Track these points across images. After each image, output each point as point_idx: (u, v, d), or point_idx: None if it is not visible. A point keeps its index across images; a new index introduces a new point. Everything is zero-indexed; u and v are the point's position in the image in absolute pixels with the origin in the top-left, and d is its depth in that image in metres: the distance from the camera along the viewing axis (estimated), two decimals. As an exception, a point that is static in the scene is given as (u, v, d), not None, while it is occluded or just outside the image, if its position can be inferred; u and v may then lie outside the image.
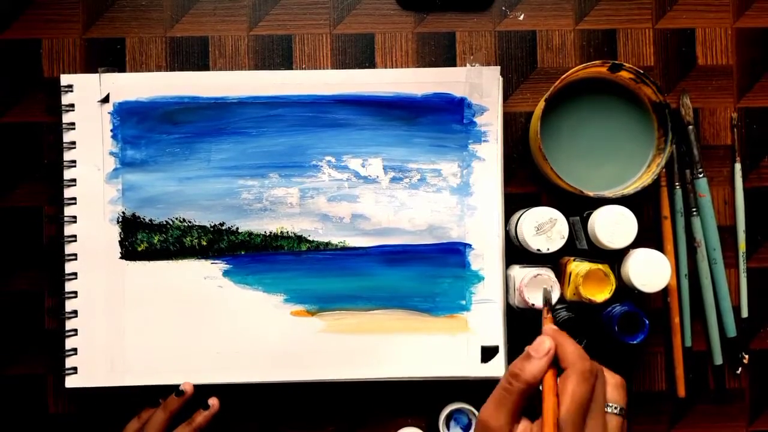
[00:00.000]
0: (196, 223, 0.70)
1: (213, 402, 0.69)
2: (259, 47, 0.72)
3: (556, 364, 0.52)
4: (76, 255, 0.70)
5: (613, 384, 0.53)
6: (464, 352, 0.70)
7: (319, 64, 0.73)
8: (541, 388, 0.51)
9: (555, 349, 0.52)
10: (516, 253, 0.70)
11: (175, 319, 0.70)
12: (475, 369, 0.70)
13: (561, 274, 0.68)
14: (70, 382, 0.70)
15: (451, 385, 0.71)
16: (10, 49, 0.72)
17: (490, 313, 0.70)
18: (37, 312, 0.72)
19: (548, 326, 0.55)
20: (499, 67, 0.70)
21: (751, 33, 0.73)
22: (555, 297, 0.66)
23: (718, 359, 0.72)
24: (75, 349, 0.70)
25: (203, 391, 0.70)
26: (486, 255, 0.70)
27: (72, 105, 0.70)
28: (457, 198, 0.70)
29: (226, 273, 0.70)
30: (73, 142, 0.70)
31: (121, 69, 0.72)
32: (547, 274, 0.66)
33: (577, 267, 0.66)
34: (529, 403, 0.51)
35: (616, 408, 0.52)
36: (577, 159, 0.69)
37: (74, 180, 0.70)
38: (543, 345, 0.52)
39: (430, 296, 0.70)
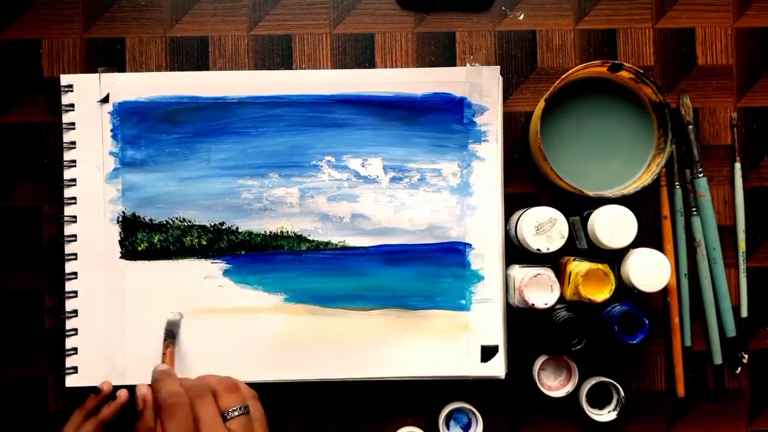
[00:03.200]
0: (196, 223, 0.70)
1: (120, 393, 0.67)
2: (259, 47, 0.72)
3: None
4: (76, 255, 0.70)
5: (223, 390, 0.55)
6: (464, 351, 0.70)
7: (319, 64, 0.73)
8: None
9: (152, 394, 0.54)
10: (516, 252, 0.70)
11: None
12: (474, 368, 0.70)
13: (561, 274, 0.68)
14: (71, 381, 0.70)
15: (451, 384, 0.71)
16: (10, 49, 0.72)
17: (490, 312, 0.70)
18: (37, 312, 0.72)
19: (155, 368, 0.58)
20: (498, 67, 0.70)
21: (751, 33, 0.73)
22: (553, 298, 0.66)
23: (718, 359, 0.72)
24: (75, 349, 0.70)
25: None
26: (486, 255, 0.70)
27: (72, 105, 0.70)
28: (457, 198, 0.70)
29: (226, 272, 0.70)
30: (73, 142, 0.70)
31: (121, 69, 0.72)
32: (547, 274, 0.66)
33: (577, 267, 0.66)
34: None
35: (236, 410, 0.53)
36: (577, 159, 0.69)
37: (74, 180, 0.70)
38: (138, 397, 0.55)
39: (430, 296, 0.70)
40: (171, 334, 0.68)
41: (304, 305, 0.70)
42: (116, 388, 0.69)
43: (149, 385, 0.58)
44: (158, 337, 0.70)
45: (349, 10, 0.73)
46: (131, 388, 0.68)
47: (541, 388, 0.70)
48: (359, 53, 0.73)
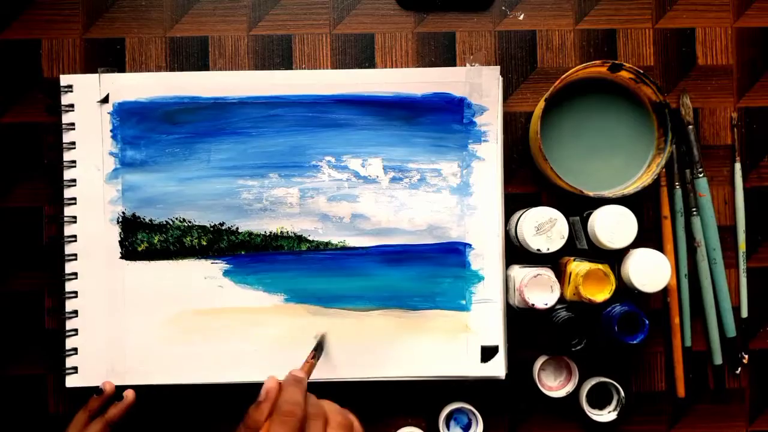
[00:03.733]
0: (196, 223, 0.70)
1: (127, 394, 0.67)
2: (258, 47, 0.72)
3: None
4: (76, 255, 0.70)
5: (336, 423, 0.54)
6: (464, 351, 0.70)
7: (319, 64, 0.73)
8: None
9: (278, 392, 0.54)
10: (516, 253, 0.70)
11: (175, 319, 0.70)
12: (475, 369, 0.70)
13: (561, 274, 0.68)
14: (71, 381, 0.70)
15: (451, 384, 0.71)
16: (10, 49, 0.72)
17: (490, 312, 0.70)
18: (38, 312, 0.72)
19: (292, 371, 0.58)
20: (498, 67, 0.70)
21: (751, 33, 0.73)
22: (553, 298, 0.66)
23: (718, 359, 0.72)
24: (75, 349, 0.70)
25: (204, 391, 0.70)
26: (486, 255, 0.70)
27: (72, 105, 0.70)
28: (456, 198, 0.70)
29: (226, 273, 0.70)
30: (73, 143, 0.70)
31: (121, 69, 0.72)
32: (547, 274, 0.66)
33: (577, 267, 0.66)
34: None
35: None
36: (577, 159, 0.69)
37: (74, 180, 0.70)
38: (264, 388, 0.55)
39: (430, 296, 0.70)
40: (320, 347, 0.67)
41: (304, 305, 0.70)
42: (117, 388, 0.69)
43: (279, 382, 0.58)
44: (158, 337, 0.70)
45: (349, 10, 0.73)
46: (131, 388, 0.68)
47: (541, 389, 0.70)
48: (359, 53, 0.73)
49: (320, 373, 0.70)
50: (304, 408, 0.54)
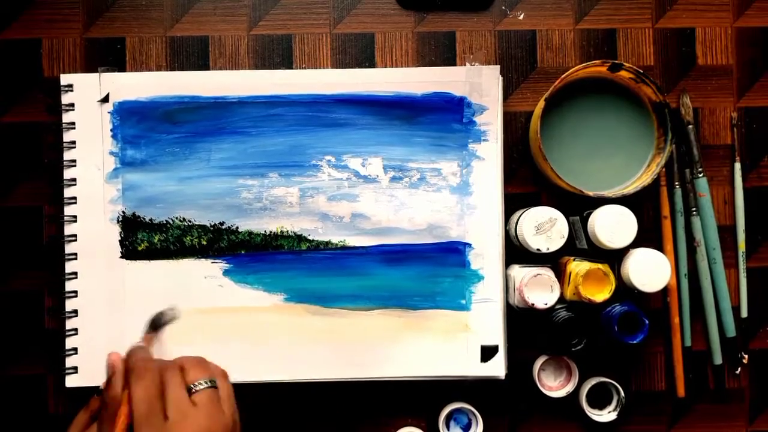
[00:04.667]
0: (196, 223, 0.70)
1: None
2: (259, 47, 0.72)
3: None
4: (76, 254, 0.70)
5: (190, 365, 0.54)
6: (464, 351, 0.70)
7: (319, 63, 0.73)
8: None
9: (123, 363, 0.54)
10: (516, 252, 0.70)
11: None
12: (474, 368, 0.70)
13: (561, 274, 0.68)
14: (71, 381, 0.70)
15: (451, 384, 0.71)
16: (10, 49, 0.72)
17: (489, 312, 0.70)
18: (38, 312, 0.72)
19: (133, 344, 0.58)
20: (498, 66, 0.70)
21: (751, 32, 0.73)
22: (553, 298, 0.66)
23: (718, 359, 0.72)
24: (75, 349, 0.70)
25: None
26: (486, 254, 0.70)
27: (72, 105, 0.70)
28: (456, 197, 0.70)
29: (226, 272, 0.70)
30: (73, 142, 0.70)
31: (121, 69, 0.72)
32: (547, 274, 0.66)
33: (577, 267, 0.66)
34: None
35: (201, 383, 0.53)
36: (577, 159, 0.69)
37: (74, 179, 0.70)
38: (107, 363, 0.55)
39: (429, 295, 0.70)
40: (154, 327, 0.66)
41: (304, 305, 0.70)
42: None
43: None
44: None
45: (350, 9, 0.73)
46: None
47: (541, 389, 0.70)
48: (359, 53, 0.73)
49: (320, 373, 0.70)
50: (154, 363, 0.54)
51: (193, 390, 0.53)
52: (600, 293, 0.66)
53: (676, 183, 0.72)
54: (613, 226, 0.65)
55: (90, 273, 0.70)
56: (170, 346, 0.70)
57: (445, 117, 0.70)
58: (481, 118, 0.70)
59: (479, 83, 0.70)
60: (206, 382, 0.54)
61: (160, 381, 0.53)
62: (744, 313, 0.72)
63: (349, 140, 0.71)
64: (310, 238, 0.71)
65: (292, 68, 0.72)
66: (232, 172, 0.70)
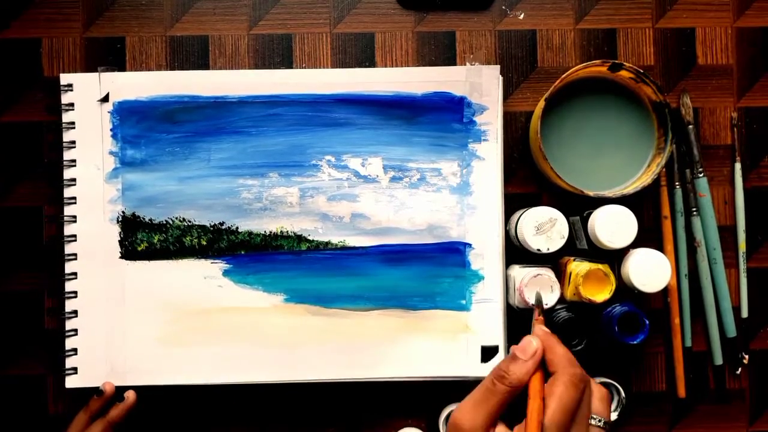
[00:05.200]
0: (196, 223, 0.70)
1: (128, 395, 0.68)
2: (259, 46, 0.72)
3: (544, 368, 0.51)
4: (76, 255, 0.70)
5: (599, 396, 0.52)
6: (464, 351, 0.70)
7: (319, 63, 0.73)
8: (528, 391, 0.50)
9: (542, 351, 0.51)
10: (516, 252, 0.70)
11: (175, 318, 0.70)
12: (475, 369, 0.70)
13: (561, 274, 0.68)
14: (70, 382, 0.70)
15: (451, 385, 0.71)
16: (10, 49, 0.72)
17: (490, 312, 0.70)
18: (37, 312, 0.72)
19: (539, 327, 0.54)
20: (498, 66, 0.70)
21: (751, 32, 0.73)
22: (553, 298, 0.66)
23: (718, 359, 0.72)
24: (75, 350, 0.70)
25: (204, 391, 0.70)
26: (486, 254, 0.70)
27: (72, 104, 0.70)
28: (456, 197, 0.70)
29: (226, 272, 0.70)
30: (73, 142, 0.70)
31: (121, 68, 0.72)
32: (547, 274, 0.66)
33: (577, 267, 0.66)
34: (508, 408, 0.50)
35: (599, 421, 0.51)
36: (577, 158, 0.69)
37: (74, 179, 0.70)
38: (530, 346, 0.51)
39: (429, 296, 0.70)
40: (539, 302, 0.63)
41: (303, 305, 0.70)
42: (117, 389, 0.68)
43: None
44: (158, 338, 0.70)
45: (350, 9, 0.73)
46: (131, 389, 0.68)
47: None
48: (359, 52, 0.73)
49: (320, 373, 0.69)
50: (585, 374, 0.50)
51: (591, 423, 0.50)
52: (600, 293, 0.65)
53: (677, 183, 0.72)
54: (614, 226, 0.65)
55: (90, 273, 0.70)
56: (170, 347, 0.70)
57: (445, 117, 0.70)
58: (481, 118, 0.70)
59: (479, 83, 0.70)
60: (604, 422, 0.51)
61: (581, 396, 0.49)
62: (744, 314, 0.72)
63: (349, 140, 0.70)
64: (310, 238, 0.71)
65: (292, 68, 0.72)
66: (232, 172, 0.70)
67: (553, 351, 0.51)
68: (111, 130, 0.70)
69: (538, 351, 0.51)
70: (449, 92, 0.70)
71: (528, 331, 0.71)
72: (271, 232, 0.71)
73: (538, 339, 0.52)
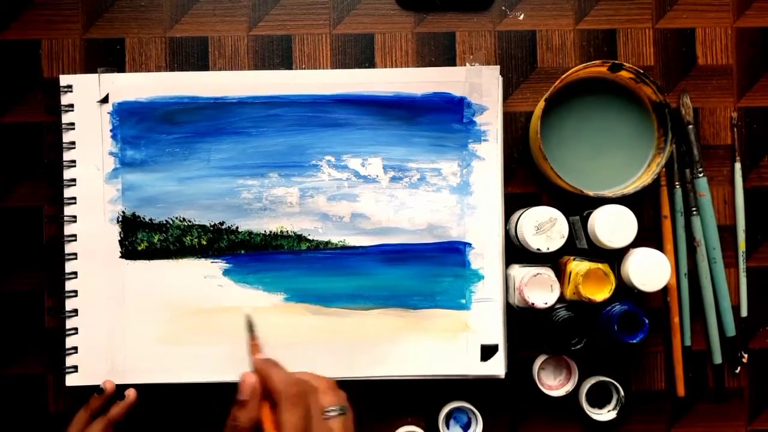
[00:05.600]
0: (196, 223, 0.70)
1: (129, 393, 0.68)
2: (258, 47, 0.72)
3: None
4: (76, 254, 0.70)
5: (324, 389, 0.54)
6: (464, 350, 0.70)
7: (318, 64, 0.72)
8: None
9: (260, 383, 0.53)
10: (516, 252, 0.70)
11: (175, 318, 0.70)
12: (474, 367, 0.70)
13: (561, 274, 0.68)
14: (71, 380, 0.70)
15: (451, 383, 0.71)
16: (9, 49, 0.72)
17: (489, 311, 0.70)
18: (38, 311, 0.72)
19: (254, 357, 0.56)
20: (498, 67, 0.70)
21: (751, 33, 0.73)
22: (552, 298, 0.66)
23: (718, 358, 0.72)
24: (75, 348, 0.70)
25: (204, 390, 0.70)
26: (486, 254, 0.70)
27: (71, 105, 0.70)
28: (456, 197, 0.70)
29: (226, 272, 0.70)
30: (73, 142, 0.70)
31: (121, 69, 0.72)
32: (546, 273, 0.66)
33: (577, 266, 0.66)
34: None
35: (334, 410, 0.53)
36: (577, 158, 0.69)
37: (74, 180, 0.70)
38: (245, 385, 0.54)
39: (429, 295, 0.70)
40: (251, 327, 0.66)
41: (304, 305, 0.70)
42: (117, 387, 0.69)
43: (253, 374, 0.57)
44: (158, 337, 0.70)
45: (349, 10, 0.73)
46: (131, 387, 0.69)
47: (541, 388, 0.70)
48: (359, 53, 0.73)
49: (320, 372, 0.69)
50: (300, 385, 0.53)
51: (326, 416, 0.53)
52: (600, 293, 0.66)
53: (676, 183, 0.72)
54: (613, 225, 0.65)
55: (90, 273, 0.70)
56: (170, 346, 0.70)
57: (445, 117, 0.70)
58: (481, 118, 0.70)
59: (479, 83, 0.70)
60: (339, 409, 0.54)
61: (306, 406, 0.52)
62: (744, 313, 0.72)
63: (349, 140, 0.71)
64: (310, 238, 0.71)
65: (291, 68, 0.72)
66: (232, 172, 0.70)
67: (270, 379, 0.53)
68: (111, 130, 0.70)
69: (255, 387, 0.53)
70: (449, 93, 0.70)
71: (527, 330, 0.72)
72: (271, 231, 0.71)
73: (252, 374, 0.54)
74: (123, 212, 0.70)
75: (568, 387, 0.70)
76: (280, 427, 0.51)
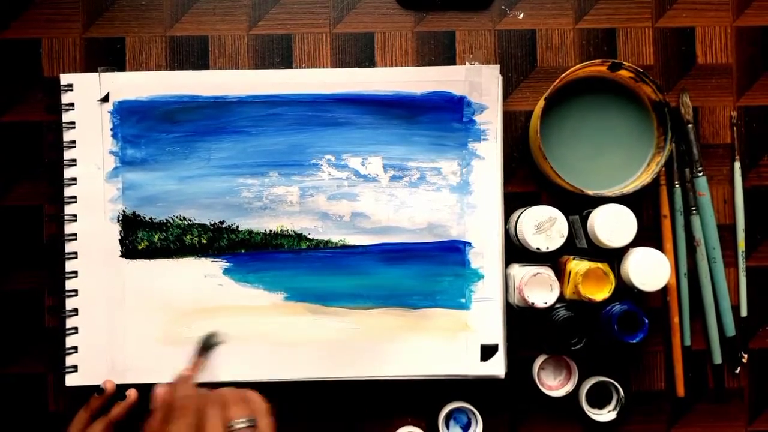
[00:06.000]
0: (197, 222, 0.70)
1: (130, 393, 0.68)
2: (258, 46, 0.73)
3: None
4: (76, 253, 0.70)
5: (233, 401, 0.55)
6: (464, 350, 0.70)
7: (318, 63, 0.73)
8: None
9: (169, 396, 0.56)
10: (516, 251, 0.70)
11: (175, 317, 0.70)
12: (474, 367, 0.70)
13: (560, 273, 0.68)
14: (71, 380, 0.70)
15: (451, 383, 0.71)
16: (10, 49, 0.72)
17: (489, 311, 0.70)
18: (38, 310, 0.72)
19: (179, 372, 0.60)
20: (498, 66, 0.70)
21: (750, 32, 0.73)
22: (552, 297, 0.66)
23: (718, 358, 0.72)
24: (75, 348, 0.70)
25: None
26: (486, 253, 0.70)
27: (72, 104, 0.70)
28: (456, 196, 0.70)
29: (226, 271, 0.70)
30: (73, 141, 0.70)
31: (121, 68, 0.72)
32: (546, 272, 0.66)
33: (577, 266, 0.66)
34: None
35: (241, 422, 0.54)
36: (576, 158, 0.69)
37: (74, 179, 0.70)
38: (154, 396, 0.57)
39: (429, 294, 0.70)
40: (205, 347, 0.67)
41: (304, 304, 0.70)
42: (117, 387, 0.69)
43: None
44: (158, 336, 0.70)
45: (349, 9, 0.73)
46: (131, 387, 0.69)
47: (541, 388, 0.70)
48: (359, 52, 0.73)
49: (320, 372, 0.70)
50: (196, 399, 0.54)
51: (231, 428, 0.54)
52: (600, 292, 0.66)
53: (676, 182, 0.72)
54: (613, 225, 0.65)
55: (90, 272, 0.70)
56: (170, 345, 0.70)
57: (444, 116, 0.70)
58: (481, 118, 0.70)
59: (479, 82, 0.70)
60: (246, 421, 0.54)
61: (200, 418, 0.53)
62: (743, 313, 0.72)
63: (349, 139, 0.71)
64: (310, 237, 0.71)
65: (291, 68, 0.72)
66: (232, 171, 0.70)
67: (171, 391, 0.56)
68: (111, 129, 0.70)
69: (163, 399, 0.56)
70: (449, 92, 0.70)
71: (527, 330, 0.72)
72: (271, 230, 0.71)
73: (164, 386, 0.57)
74: (123, 211, 0.70)
75: (568, 387, 0.70)
76: None
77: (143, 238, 0.70)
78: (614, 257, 0.68)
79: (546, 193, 0.72)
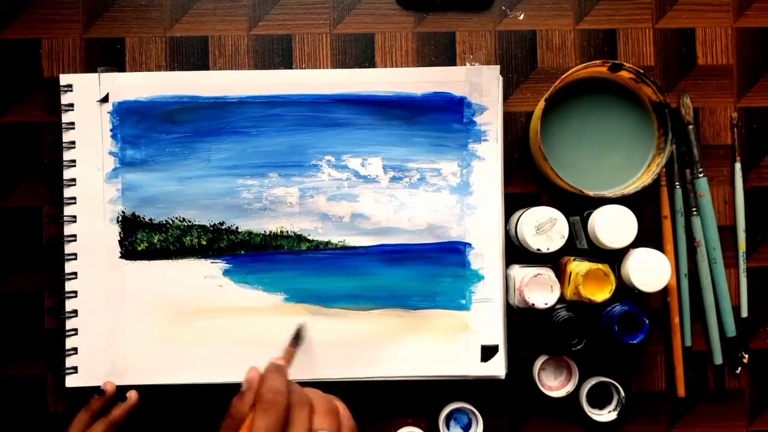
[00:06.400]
0: (196, 223, 0.70)
1: (130, 395, 0.68)
2: (258, 47, 0.72)
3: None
4: (75, 254, 0.70)
5: (321, 409, 0.54)
6: (464, 351, 0.70)
7: (318, 63, 0.73)
8: None
9: (259, 381, 0.54)
10: (516, 252, 0.70)
11: (175, 318, 0.70)
12: (474, 368, 0.70)
13: (561, 274, 0.68)
14: (70, 381, 0.70)
15: (451, 384, 0.71)
16: (10, 49, 0.72)
17: (489, 312, 0.70)
18: (37, 312, 0.72)
19: (272, 359, 0.58)
20: (498, 66, 0.70)
21: (751, 33, 0.73)
22: (553, 298, 0.66)
23: (718, 359, 0.72)
24: (75, 349, 0.70)
25: (203, 390, 0.70)
26: (486, 254, 0.70)
27: (71, 105, 0.70)
28: (456, 197, 0.70)
29: (226, 272, 0.70)
30: (73, 142, 0.70)
31: (121, 69, 0.72)
32: (547, 273, 0.66)
33: (577, 267, 0.66)
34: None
35: None
36: (577, 159, 0.69)
37: (74, 180, 0.70)
38: (247, 378, 0.55)
39: (429, 295, 0.70)
40: (299, 336, 0.67)
41: (303, 305, 0.70)
42: (117, 388, 0.69)
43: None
44: (158, 337, 0.70)
45: (349, 9, 0.73)
46: (131, 388, 0.68)
47: (542, 388, 0.70)
48: (359, 53, 0.73)
49: (320, 373, 0.70)
50: (286, 395, 0.53)
51: None
52: (600, 293, 0.66)
53: (677, 183, 0.72)
54: (613, 226, 0.65)
55: (90, 273, 0.70)
56: (170, 346, 0.70)
57: (445, 117, 0.70)
58: (481, 118, 0.70)
59: (479, 83, 0.70)
60: None
61: (285, 419, 0.52)
62: (744, 313, 0.72)
63: (349, 140, 0.70)
64: (310, 238, 0.71)
65: (292, 68, 0.72)
66: (232, 172, 0.70)
67: (263, 380, 0.54)
68: (111, 130, 0.70)
69: (254, 382, 0.55)
70: (449, 92, 0.70)
71: (528, 331, 0.72)
72: (271, 231, 0.71)
73: (257, 369, 0.55)
74: (123, 212, 0.70)
75: (569, 388, 0.70)
76: (251, 429, 0.51)
77: (143, 239, 0.70)
78: (615, 258, 0.68)
79: (546, 194, 0.72)
